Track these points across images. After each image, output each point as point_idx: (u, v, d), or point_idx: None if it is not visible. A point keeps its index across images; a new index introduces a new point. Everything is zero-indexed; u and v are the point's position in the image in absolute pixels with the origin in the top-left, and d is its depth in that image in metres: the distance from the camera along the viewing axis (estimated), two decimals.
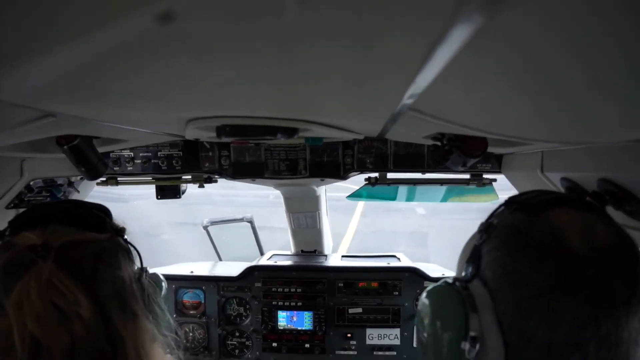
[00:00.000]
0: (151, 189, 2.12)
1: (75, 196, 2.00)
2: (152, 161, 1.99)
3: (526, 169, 1.56)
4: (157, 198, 2.13)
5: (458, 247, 0.94)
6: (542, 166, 1.41)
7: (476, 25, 0.34)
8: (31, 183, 1.70)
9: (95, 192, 2.23)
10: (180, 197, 2.13)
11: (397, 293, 2.45)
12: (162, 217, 9.72)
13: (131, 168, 2.00)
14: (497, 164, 1.93)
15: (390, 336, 2.47)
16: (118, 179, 2.04)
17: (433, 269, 2.57)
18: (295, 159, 2.01)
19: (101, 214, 1.02)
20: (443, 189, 2.17)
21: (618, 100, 0.53)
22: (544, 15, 0.32)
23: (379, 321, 2.47)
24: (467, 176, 2.03)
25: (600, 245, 0.73)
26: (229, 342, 2.57)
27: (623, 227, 0.78)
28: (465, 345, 0.77)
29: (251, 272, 2.53)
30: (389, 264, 2.58)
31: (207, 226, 3.06)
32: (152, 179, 2.07)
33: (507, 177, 1.91)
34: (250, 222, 3.12)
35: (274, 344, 2.51)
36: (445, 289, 0.85)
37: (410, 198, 2.36)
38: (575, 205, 0.81)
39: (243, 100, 0.80)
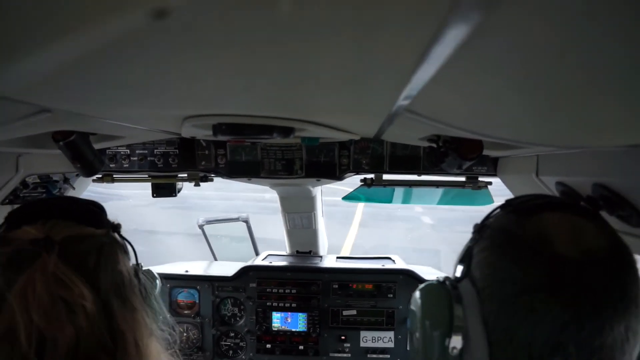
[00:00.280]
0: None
1: (70, 193, 2.00)
2: (149, 158, 1.99)
3: (521, 172, 1.57)
4: (153, 196, 2.12)
5: None
6: (538, 170, 1.41)
7: (472, 25, 0.34)
8: (27, 179, 1.70)
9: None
10: (176, 196, 2.13)
11: (391, 295, 2.45)
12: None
13: (127, 165, 1.99)
14: (492, 167, 1.93)
15: (385, 339, 2.47)
16: (114, 175, 2.03)
17: (428, 272, 2.57)
18: (292, 159, 2.01)
19: (97, 209, 1.02)
20: (439, 191, 2.18)
21: (614, 105, 0.53)
22: (540, 16, 0.32)
23: (373, 324, 2.47)
24: (462, 179, 2.03)
25: (588, 248, 0.73)
26: (223, 342, 2.56)
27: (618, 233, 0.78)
28: (450, 342, 0.78)
29: (246, 272, 2.52)
30: (383, 266, 2.58)
31: (203, 225, 3.05)
32: (148, 176, 2.06)
33: (503, 180, 1.92)
34: (246, 221, 3.12)
35: (268, 346, 2.51)
36: (434, 287, 0.87)
37: (406, 200, 2.37)
38: (569, 210, 0.82)
39: (239, 99, 0.80)
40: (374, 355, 2.47)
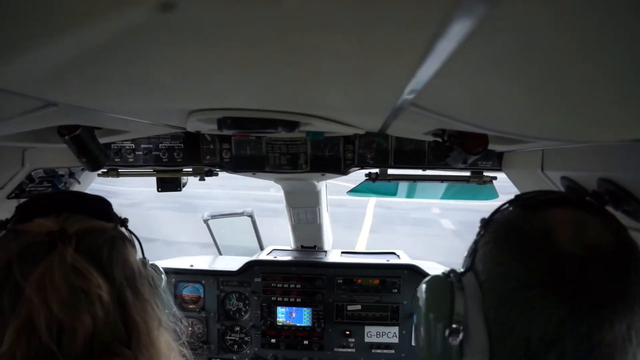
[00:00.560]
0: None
1: (76, 187, 2.01)
2: (153, 153, 2.00)
3: (526, 167, 1.56)
4: (158, 190, 2.13)
5: None
6: (543, 165, 1.41)
7: (476, 19, 0.34)
8: (32, 173, 1.71)
9: None
10: (180, 190, 2.14)
11: (396, 291, 2.45)
12: None
13: (132, 160, 2.00)
14: (497, 162, 1.93)
15: (389, 334, 2.47)
16: (119, 170, 2.04)
17: (432, 267, 2.57)
18: (296, 153, 2.01)
19: (105, 204, 1.04)
20: (443, 186, 2.17)
21: (619, 99, 0.53)
22: (544, 10, 0.32)
23: (377, 319, 2.47)
24: (467, 173, 2.03)
25: (590, 244, 0.72)
26: (227, 337, 2.57)
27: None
28: (449, 332, 0.79)
29: (251, 267, 2.53)
30: (388, 261, 2.58)
31: (208, 220, 3.05)
32: (153, 170, 2.07)
33: (508, 175, 1.91)
34: (251, 216, 3.12)
35: (273, 340, 2.52)
36: (438, 279, 0.88)
37: (410, 195, 2.36)
38: (574, 206, 0.81)
39: (245, 93, 0.81)
40: (379, 351, 2.48)
